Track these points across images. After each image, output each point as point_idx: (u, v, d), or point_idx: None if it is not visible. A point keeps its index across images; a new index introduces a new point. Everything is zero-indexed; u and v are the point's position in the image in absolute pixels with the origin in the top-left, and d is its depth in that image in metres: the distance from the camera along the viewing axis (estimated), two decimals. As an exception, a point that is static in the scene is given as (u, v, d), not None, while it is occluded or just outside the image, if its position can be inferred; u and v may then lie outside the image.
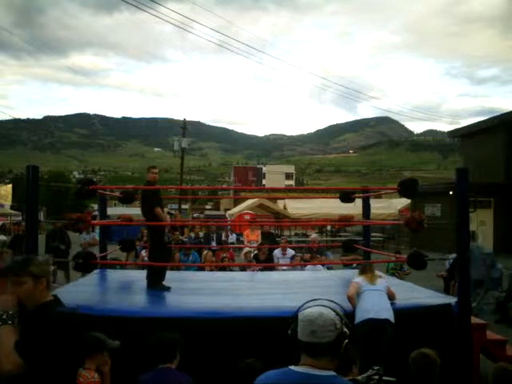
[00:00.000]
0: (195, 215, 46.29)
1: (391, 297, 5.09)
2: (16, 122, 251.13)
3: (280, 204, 28.64)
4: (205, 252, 9.91)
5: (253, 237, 11.45)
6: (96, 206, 20.13)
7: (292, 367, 1.90)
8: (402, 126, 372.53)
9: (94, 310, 4.77)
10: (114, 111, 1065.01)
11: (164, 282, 6.02)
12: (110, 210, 12.19)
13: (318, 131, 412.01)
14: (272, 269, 8.91)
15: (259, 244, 10.47)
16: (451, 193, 18.23)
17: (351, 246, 8.40)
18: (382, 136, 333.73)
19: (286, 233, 26.57)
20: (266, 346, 4.34)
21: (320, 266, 8.59)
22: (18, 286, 2.64)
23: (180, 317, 4.66)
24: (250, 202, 27.43)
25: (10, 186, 39.38)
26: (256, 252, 9.83)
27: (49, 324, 2.56)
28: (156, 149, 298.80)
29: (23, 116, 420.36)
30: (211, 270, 8.77)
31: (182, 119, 35.91)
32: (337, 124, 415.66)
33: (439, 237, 18.98)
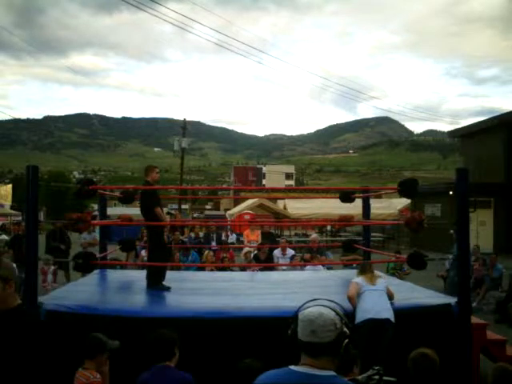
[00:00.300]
0: (195, 215, 46.30)
1: (390, 296, 5.10)
2: (16, 122, 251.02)
3: (280, 204, 28.65)
4: (206, 252, 9.91)
5: (253, 237, 11.45)
6: (96, 206, 20.13)
7: (292, 367, 1.90)
8: (402, 126, 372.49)
9: (94, 309, 4.78)
10: (114, 111, 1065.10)
11: (164, 282, 6.02)
12: (110, 210, 12.19)
13: (317, 131, 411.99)
14: (272, 269, 8.91)
15: (259, 244, 10.48)
16: (451, 193, 18.23)
17: (351, 245, 8.39)
18: (381, 136, 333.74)
19: (286, 233, 26.58)
20: (265, 346, 4.34)
21: (320, 266, 8.59)
22: None
23: (180, 317, 4.66)
24: (249, 202, 27.44)
25: (9, 186, 39.38)
26: (256, 252, 9.83)
27: (26, 327, 2.56)
28: (156, 149, 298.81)
29: (23, 116, 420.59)
30: (211, 270, 8.77)
31: (182, 119, 35.94)
32: (337, 124, 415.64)
33: (439, 237, 19.01)
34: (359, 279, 5.17)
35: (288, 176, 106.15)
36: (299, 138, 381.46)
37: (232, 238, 14.78)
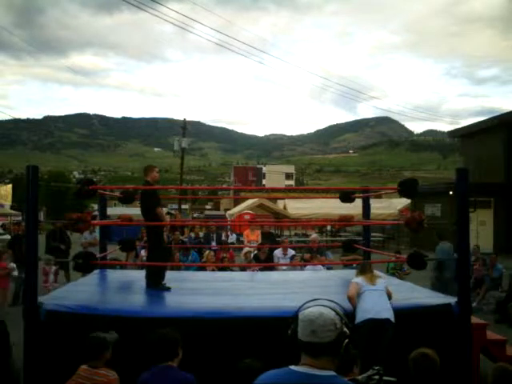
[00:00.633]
0: (195, 215, 46.30)
1: (388, 296, 5.10)
2: (16, 122, 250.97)
3: (280, 204, 28.64)
4: (206, 252, 9.91)
5: (253, 237, 11.45)
6: (96, 206, 20.11)
7: (292, 367, 1.90)
8: (402, 126, 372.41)
9: (94, 309, 4.78)
10: (114, 111, 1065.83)
11: (164, 282, 6.02)
12: (110, 210, 12.19)
13: (317, 131, 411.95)
14: (272, 269, 8.91)
15: (259, 244, 10.48)
16: (451, 193, 18.24)
17: (351, 245, 8.39)
18: (381, 136, 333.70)
19: (286, 233, 26.58)
20: (266, 346, 4.34)
21: (320, 266, 8.59)
22: None
23: (180, 317, 4.66)
24: (249, 202, 27.44)
25: (9, 186, 39.35)
26: (256, 252, 9.83)
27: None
28: (156, 149, 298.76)
29: (23, 116, 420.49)
30: (212, 270, 8.77)
31: (182, 119, 35.94)
32: (337, 124, 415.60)
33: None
34: (359, 279, 5.17)
35: (288, 176, 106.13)
36: (299, 138, 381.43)
37: (232, 238, 14.77)
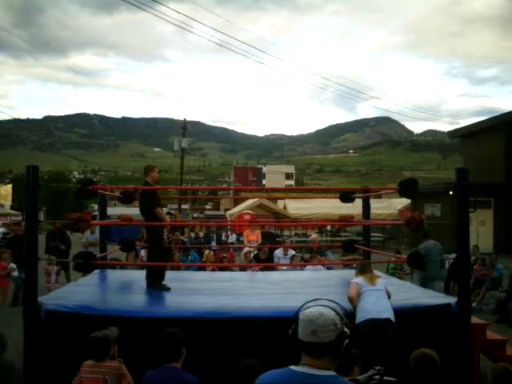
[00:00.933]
0: (195, 215, 46.30)
1: (388, 296, 5.10)
2: (16, 122, 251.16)
3: (280, 204, 28.64)
4: (206, 252, 9.91)
5: (252, 237, 11.45)
6: (96, 206, 20.10)
7: (292, 367, 1.90)
8: (402, 126, 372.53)
9: (94, 309, 4.78)
10: (114, 111, 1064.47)
11: (164, 282, 6.02)
12: (110, 210, 12.19)
13: (318, 131, 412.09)
14: (272, 269, 8.91)
15: (259, 244, 10.48)
16: (451, 193, 18.23)
17: (351, 245, 8.39)
18: (381, 136, 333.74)
19: (286, 233, 26.58)
20: (266, 346, 4.34)
21: (320, 266, 8.60)
22: None
23: (180, 317, 4.65)
24: (249, 202, 27.44)
25: (9, 186, 39.44)
26: (256, 252, 9.84)
27: None
28: (156, 149, 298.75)
29: (23, 116, 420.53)
30: (212, 270, 8.77)
31: (182, 119, 35.94)
32: (337, 124, 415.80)
33: (439, 237, 18.96)
34: (359, 279, 5.16)
35: (288, 176, 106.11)
36: (299, 138, 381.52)
37: (232, 238, 14.78)
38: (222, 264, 9.29)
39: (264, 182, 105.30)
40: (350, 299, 4.93)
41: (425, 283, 8.47)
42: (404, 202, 25.29)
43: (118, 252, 8.74)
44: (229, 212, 33.34)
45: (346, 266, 8.97)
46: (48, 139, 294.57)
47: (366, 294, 4.93)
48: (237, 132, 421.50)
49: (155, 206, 6.00)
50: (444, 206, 21.86)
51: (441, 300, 5.48)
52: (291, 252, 9.55)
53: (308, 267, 8.59)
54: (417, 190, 6.07)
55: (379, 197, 24.30)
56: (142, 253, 9.41)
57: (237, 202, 37.53)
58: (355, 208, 9.37)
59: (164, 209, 6.89)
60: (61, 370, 4.43)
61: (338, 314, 1.91)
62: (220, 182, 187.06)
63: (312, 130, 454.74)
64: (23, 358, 4.57)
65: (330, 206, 20.81)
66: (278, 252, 9.50)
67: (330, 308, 1.92)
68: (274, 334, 4.39)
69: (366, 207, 8.03)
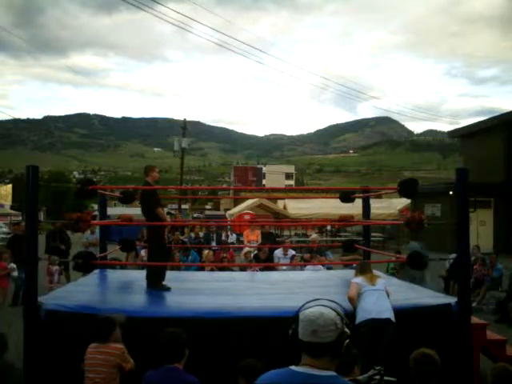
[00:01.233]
0: (195, 215, 46.31)
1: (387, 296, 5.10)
2: (16, 122, 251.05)
3: (280, 204, 28.64)
4: (206, 252, 9.91)
5: (252, 237, 11.45)
6: (96, 206, 20.08)
7: (292, 367, 1.89)
8: (402, 126, 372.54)
9: (94, 309, 4.78)
10: (114, 111, 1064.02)
11: (164, 282, 6.02)
12: (110, 210, 12.18)
13: (318, 131, 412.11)
14: (272, 269, 8.91)
15: (259, 244, 10.48)
16: (451, 193, 18.24)
17: (351, 245, 8.39)
18: (381, 136, 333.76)
19: (286, 233, 26.58)
20: (266, 346, 4.34)
21: (320, 266, 8.59)
22: None
23: (180, 317, 4.66)
24: (249, 202, 27.44)
25: (9, 186, 39.44)
26: (256, 252, 9.84)
27: None
28: (156, 149, 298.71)
29: (23, 116, 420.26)
30: (211, 270, 8.77)
31: (182, 119, 35.94)
32: (337, 124, 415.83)
33: (439, 237, 18.98)
34: (359, 279, 5.16)
35: (288, 176, 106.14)
36: (299, 138, 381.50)
37: (232, 238, 14.78)
38: (222, 264, 9.28)
39: (264, 182, 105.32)
40: (350, 299, 4.93)
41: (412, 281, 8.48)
42: (404, 201, 25.29)
43: (118, 252, 8.74)
44: (229, 212, 33.34)
45: (346, 265, 8.96)
46: (48, 139, 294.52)
47: (366, 294, 4.93)
48: (237, 132, 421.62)
49: (156, 206, 6.01)
50: (444, 205, 21.87)
51: (441, 300, 5.48)
52: (291, 252, 9.55)
53: (308, 267, 8.59)
54: (417, 190, 6.07)
55: (379, 197, 24.30)
56: (142, 253, 9.41)
57: (237, 202, 37.54)
58: (355, 208, 9.37)
59: (164, 209, 6.89)
60: (61, 370, 4.44)
61: (338, 314, 1.91)
62: (220, 182, 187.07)
63: (312, 129, 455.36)
64: (23, 358, 4.57)
65: (330, 206, 20.81)
66: (278, 252, 9.50)
67: (331, 308, 1.91)
68: (274, 334, 4.39)
69: (366, 207, 8.03)
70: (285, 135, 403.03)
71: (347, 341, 1.89)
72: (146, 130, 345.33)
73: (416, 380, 3.14)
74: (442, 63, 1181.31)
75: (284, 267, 8.96)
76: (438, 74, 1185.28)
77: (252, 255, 9.69)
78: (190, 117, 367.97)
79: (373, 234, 16.87)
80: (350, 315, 4.46)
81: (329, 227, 27.71)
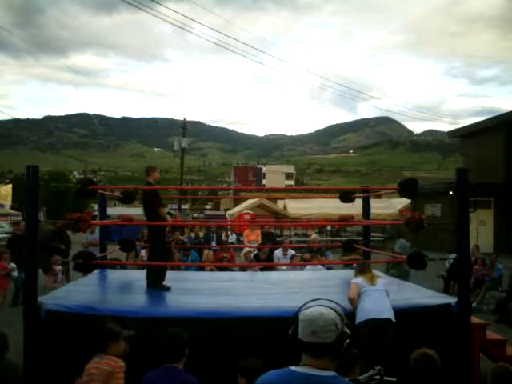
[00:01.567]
0: (195, 215, 46.31)
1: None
2: (16, 122, 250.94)
3: (280, 204, 28.65)
4: (206, 252, 9.91)
5: (252, 237, 11.45)
6: (96, 206, 20.08)
7: (293, 367, 1.89)
8: (402, 126, 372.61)
9: (94, 309, 4.78)
10: (114, 111, 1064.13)
11: (164, 282, 6.03)
12: (110, 210, 12.18)
13: (318, 131, 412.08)
14: (272, 269, 8.91)
15: (260, 244, 10.48)
16: (451, 193, 18.24)
17: (351, 245, 8.39)
18: (381, 136, 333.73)
19: (286, 233, 26.58)
20: (266, 346, 4.34)
21: (320, 266, 8.59)
22: None
23: (180, 317, 4.66)
24: (249, 202, 27.44)
25: (9, 186, 39.43)
26: (256, 252, 9.84)
27: None
28: (156, 149, 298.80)
29: (23, 116, 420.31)
30: (211, 270, 8.77)
31: (182, 119, 35.95)
32: (337, 124, 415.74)
33: (439, 237, 18.99)
34: (359, 279, 5.16)
35: (288, 176, 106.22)
36: (299, 138, 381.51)
37: (232, 238, 14.78)
38: (222, 264, 9.28)
39: (264, 182, 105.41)
40: (351, 300, 4.92)
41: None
42: (404, 201, 25.29)
43: (118, 252, 8.74)
44: (229, 212, 33.35)
45: (346, 265, 8.96)
46: (48, 139, 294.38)
47: (366, 294, 4.93)
48: (237, 132, 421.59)
49: (158, 206, 6.03)
50: (444, 205, 21.88)
51: (441, 300, 5.48)
52: (291, 252, 9.54)
53: (308, 267, 8.59)
54: (417, 190, 6.07)
55: (379, 197, 24.31)
56: (143, 253, 9.41)
57: (237, 202, 37.56)
58: (355, 208, 9.36)
59: (164, 209, 6.92)
60: (61, 370, 4.44)
61: (338, 314, 1.91)
62: (220, 181, 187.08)
63: (312, 129, 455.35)
64: (23, 358, 4.57)
65: (330, 206, 20.80)
66: (278, 252, 9.50)
67: (331, 308, 1.91)
68: (274, 334, 4.39)
69: (366, 207, 8.02)
70: (285, 135, 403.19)
71: (347, 341, 1.89)
72: (146, 129, 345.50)
73: (416, 380, 3.14)
74: (442, 63, 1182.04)
75: (284, 267, 8.96)
76: (437, 73, 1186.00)
77: (252, 255, 9.69)
78: (190, 117, 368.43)
79: (373, 234, 16.87)
80: (349, 315, 4.46)
81: (329, 227, 27.71)
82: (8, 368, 3.64)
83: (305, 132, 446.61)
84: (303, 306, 1.97)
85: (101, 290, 6.42)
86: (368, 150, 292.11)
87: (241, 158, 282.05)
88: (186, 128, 34.97)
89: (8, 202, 36.43)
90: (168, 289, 5.90)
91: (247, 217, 22.94)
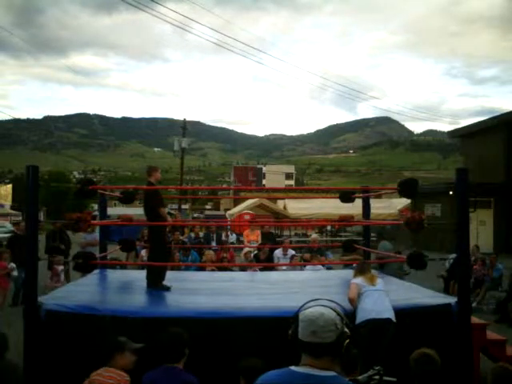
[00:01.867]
0: (195, 215, 46.31)
1: None
2: (16, 122, 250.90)
3: (280, 204, 28.64)
4: (207, 252, 9.91)
5: (252, 237, 11.45)
6: (96, 206, 20.08)
7: (293, 367, 1.89)
8: (402, 126, 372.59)
9: (94, 309, 4.78)
10: (114, 111, 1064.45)
11: (164, 282, 6.03)
12: (110, 210, 12.18)
13: (318, 131, 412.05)
14: (272, 269, 8.91)
15: (260, 244, 10.48)
16: (451, 193, 18.25)
17: (351, 245, 8.39)
18: (381, 136, 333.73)
19: (286, 233, 26.58)
20: (266, 346, 4.34)
21: (320, 266, 8.59)
22: None
23: (180, 317, 4.66)
24: (249, 202, 27.44)
25: (9, 186, 39.44)
26: (256, 252, 9.84)
27: None
28: (156, 149, 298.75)
29: (23, 116, 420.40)
30: (212, 270, 8.76)
31: (182, 119, 35.96)
32: (337, 124, 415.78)
33: (439, 237, 18.98)
34: (359, 280, 5.15)
35: (288, 176, 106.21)
36: (299, 138, 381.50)
37: (232, 238, 14.77)
38: (222, 264, 9.28)
39: (264, 181, 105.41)
40: (351, 300, 4.92)
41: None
42: (404, 201, 25.29)
43: (118, 252, 8.74)
44: (229, 212, 33.34)
45: (346, 265, 8.96)
46: (48, 139, 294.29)
47: (366, 294, 4.93)
48: (237, 132, 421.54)
49: (159, 206, 6.03)
50: (444, 205, 21.89)
51: (441, 300, 5.48)
52: (291, 252, 9.54)
53: (308, 267, 8.59)
54: (417, 190, 6.06)
55: (379, 197, 24.30)
56: (143, 253, 9.41)
57: (237, 202, 37.54)
58: (355, 208, 9.36)
59: (165, 209, 6.93)
60: (61, 370, 4.44)
61: (338, 314, 1.91)
62: (220, 181, 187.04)
63: (312, 129, 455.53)
64: (23, 358, 4.57)
65: (330, 206, 20.80)
66: (278, 252, 9.50)
67: (331, 308, 1.91)
68: (274, 334, 4.39)
69: (366, 207, 8.02)
70: (285, 135, 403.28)
71: (347, 341, 1.89)
72: (146, 129, 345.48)
73: (416, 380, 3.14)
74: (442, 63, 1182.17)
75: (284, 267, 8.96)
76: (437, 73, 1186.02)
77: (252, 255, 9.69)
78: (190, 117, 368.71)
79: (373, 234, 16.85)
80: (349, 315, 4.46)
81: (329, 227, 27.70)
82: (8, 368, 3.64)
83: (305, 132, 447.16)
84: (303, 306, 1.97)
85: (101, 290, 6.42)
86: (368, 150, 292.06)
87: (241, 158, 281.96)
88: (185, 128, 34.99)
89: (8, 202, 36.46)
90: (168, 289, 5.90)
91: (247, 217, 22.94)
